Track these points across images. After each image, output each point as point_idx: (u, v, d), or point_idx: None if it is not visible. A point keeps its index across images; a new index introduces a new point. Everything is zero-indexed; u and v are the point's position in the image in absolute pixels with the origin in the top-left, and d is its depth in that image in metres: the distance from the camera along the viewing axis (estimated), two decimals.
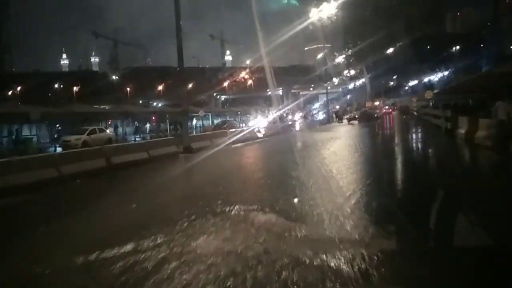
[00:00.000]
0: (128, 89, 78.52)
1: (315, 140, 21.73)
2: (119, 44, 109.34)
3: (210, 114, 49.03)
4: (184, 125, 21.43)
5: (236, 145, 22.79)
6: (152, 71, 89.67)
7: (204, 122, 47.74)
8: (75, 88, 78.67)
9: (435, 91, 46.60)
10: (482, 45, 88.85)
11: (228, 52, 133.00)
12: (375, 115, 45.61)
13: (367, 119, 39.97)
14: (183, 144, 19.49)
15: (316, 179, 10.00)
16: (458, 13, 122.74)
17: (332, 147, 18.11)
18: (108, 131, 31.11)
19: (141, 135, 38.63)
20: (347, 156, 14.67)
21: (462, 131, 16.95)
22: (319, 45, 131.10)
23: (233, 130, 28.72)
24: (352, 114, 46.81)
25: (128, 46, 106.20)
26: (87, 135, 25.65)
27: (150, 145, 17.44)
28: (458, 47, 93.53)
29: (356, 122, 40.45)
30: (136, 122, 43.67)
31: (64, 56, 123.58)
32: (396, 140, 22.30)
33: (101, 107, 51.00)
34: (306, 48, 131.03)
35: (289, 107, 54.12)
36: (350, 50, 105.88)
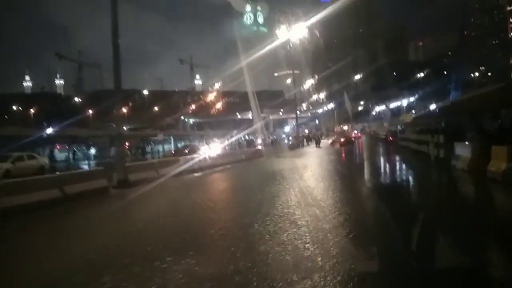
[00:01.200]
0: (90, 111, 73.03)
1: (283, 169, 17.68)
2: (84, 66, 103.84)
3: (171, 137, 44.40)
4: (118, 152, 16.88)
5: (189, 176, 18.47)
6: (117, 94, 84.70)
7: (165, 147, 42.99)
8: (32, 110, 72.72)
9: (413, 113, 43.75)
10: (445, 72, 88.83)
11: (197, 76, 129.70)
12: (352, 139, 43.15)
13: (345, 143, 36.99)
14: (117, 177, 14.99)
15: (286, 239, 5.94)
16: (420, 43, 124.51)
17: (303, 179, 14.10)
18: (41, 158, 26.07)
19: (91, 161, 33.71)
20: (322, 196, 10.54)
21: (461, 161, 13.34)
22: (288, 72, 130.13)
23: (192, 156, 24.41)
24: (334, 138, 45.01)
25: (93, 68, 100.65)
26: (11, 162, 20.79)
27: (67, 179, 12.84)
28: (422, 73, 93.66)
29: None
30: (76, 147, 38.16)
31: (27, 78, 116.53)
32: (375, 171, 17.75)
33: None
34: (275, 74, 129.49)
35: (246, 131, 50.11)
36: (317, 76, 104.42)
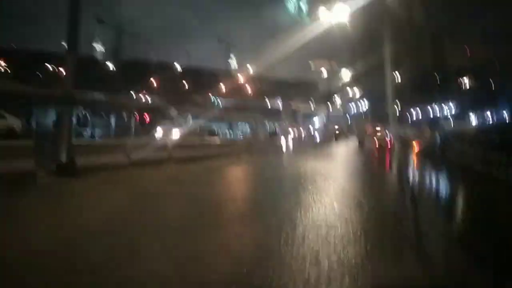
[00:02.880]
0: (122, 79, 70.05)
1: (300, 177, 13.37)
2: (124, 34, 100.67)
3: (190, 116, 40.36)
4: (65, 121, 12.23)
5: (176, 166, 14.38)
6: (151, 66, 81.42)
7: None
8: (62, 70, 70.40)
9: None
10: (491, 80, 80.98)
11: (233, 57, 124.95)
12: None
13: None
14: (59, 158, 10.87)
15: None
16: (466, 47, 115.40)
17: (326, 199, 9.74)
18: (11, 117, 21.94)
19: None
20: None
21: None
22: (325, 61, 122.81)
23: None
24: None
25: (131, 37, 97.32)
26: None
27: None
28: (466, 80, 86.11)
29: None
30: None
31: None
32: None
33: None
34: (311, 62, 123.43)
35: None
36: (354, 69, 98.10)
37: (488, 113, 68.48)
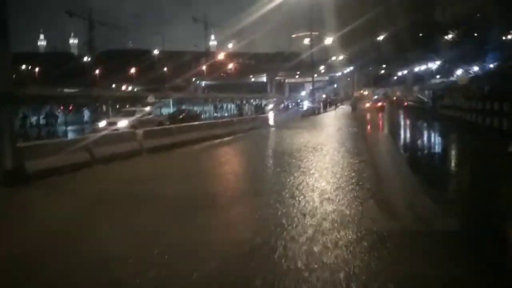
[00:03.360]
0: (97, 71, 67.23)
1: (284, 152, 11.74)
2: (97, 25, 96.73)
3: (170, 101, 38.16)
4: (3, 122, 9.96)
5: (149, 158, 12.60)
6: (128, 54, 78.30)
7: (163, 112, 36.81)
8: (37, 69, 67.49)
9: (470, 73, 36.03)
10: (475, 34, 79.17)
11: (213, 37, 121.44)
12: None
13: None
14: (4, 164, 9.07)
15: None
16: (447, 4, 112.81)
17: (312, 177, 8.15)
18: None
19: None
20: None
21: None
22: (307, 33, 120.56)
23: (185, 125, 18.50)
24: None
25: (106, 27, 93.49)
26: None
27: None
28: (449, 36, 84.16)
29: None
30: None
31: (42, 37, 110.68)
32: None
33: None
34: (293, 36, 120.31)
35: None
36: (336, 35, 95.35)
37: (476, 68, 66.80)
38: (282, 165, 10.14)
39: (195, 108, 36.17)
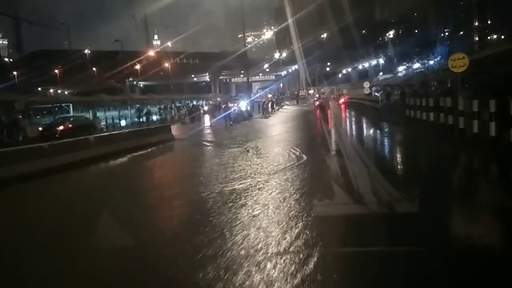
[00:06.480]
0: (15, 73, 56.43)
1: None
2: (27, 24, 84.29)
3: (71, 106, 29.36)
4: None
5: None
6: (56, 55, 67.50)
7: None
8: None
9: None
10: (416, 31, 76.54)
11: (156, 36, 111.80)
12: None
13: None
14: None
15: None
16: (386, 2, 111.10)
17: None
18: None
19: None
20: None
21: None
22: (252, 33, 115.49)
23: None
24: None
25: (35, 26, 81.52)
26: None
27: None
28: (391, 34, 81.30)
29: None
30: None
31: None
32: None
33: None
34: (239, 36, 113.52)
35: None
36: (281, 36, 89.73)
37: (417, 64, 63.57)
38: None
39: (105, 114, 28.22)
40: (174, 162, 12.48)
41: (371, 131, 15.57)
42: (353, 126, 19.38)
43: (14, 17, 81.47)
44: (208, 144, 15.56)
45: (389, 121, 17.75)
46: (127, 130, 17.18)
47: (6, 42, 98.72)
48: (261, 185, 6.91)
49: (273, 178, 7.52)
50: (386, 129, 15.72)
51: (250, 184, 7.03)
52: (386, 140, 13.02)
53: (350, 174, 7.08)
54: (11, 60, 66.69)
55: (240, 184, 7.10)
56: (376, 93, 34.06)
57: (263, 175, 7.81)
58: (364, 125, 18.90)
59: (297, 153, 10.12)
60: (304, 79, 75.38)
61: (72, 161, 10.60)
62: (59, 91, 58.92)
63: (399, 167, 8.48)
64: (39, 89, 57.10)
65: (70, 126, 19.35)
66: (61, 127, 18.90)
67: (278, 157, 10.16)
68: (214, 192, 6.71)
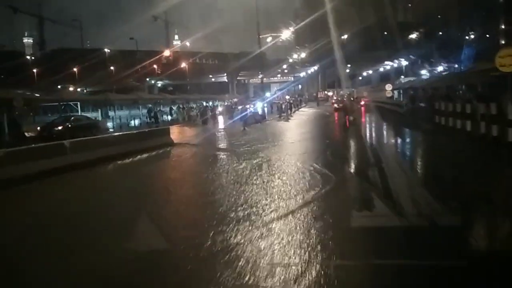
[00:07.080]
0: (34, 70, 56.67)
1: None
2: (50, 23, 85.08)
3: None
4: None
5: None
6: (77, 53, 67.63)
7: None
8: None
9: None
10: (440, 32, 73.31)
11: (176, 37, 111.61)
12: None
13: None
14: None
15: None
16: (409, 4, 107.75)
17: None
18: None
19: None
20: None
21: None
22: (272, 34, 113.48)
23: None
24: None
25: (58, 25, 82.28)
26: None
27: None
28: (414, 35, 78.25)
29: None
30: None
31: None
32: None
33: None
34: (261, 36, 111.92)
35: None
36: (301, 38, 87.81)
37: (440, 67, 60.61)
38: None
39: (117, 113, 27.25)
40: (149, 183, 9.24)
41: (401, 141, 13.69)
42: (384, 134, 17.38)
43: (37, 16, 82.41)
44: (209, 153, 13.31)
45: (418, 129, 15.81)
46: (116, 134, 15.72)
47: (31, 41, 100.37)
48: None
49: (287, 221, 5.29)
50: (420, 139, 13.72)
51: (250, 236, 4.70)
52: (427, 155, 10.79)
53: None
54: (33, 58, 67.19)
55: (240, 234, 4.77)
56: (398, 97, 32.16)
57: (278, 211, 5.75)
58: (393, 133, 16.80)
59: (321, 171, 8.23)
60: (322, 81, 73.40)
61: (30, 173, 8.77)
62: (78, 89, 58.88)
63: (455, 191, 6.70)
64: (59, 87, 57.20)
65: (69, 126, 18.21)
66: (59, 127, 17.78)
67: (296, 178, 8.03)
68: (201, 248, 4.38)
